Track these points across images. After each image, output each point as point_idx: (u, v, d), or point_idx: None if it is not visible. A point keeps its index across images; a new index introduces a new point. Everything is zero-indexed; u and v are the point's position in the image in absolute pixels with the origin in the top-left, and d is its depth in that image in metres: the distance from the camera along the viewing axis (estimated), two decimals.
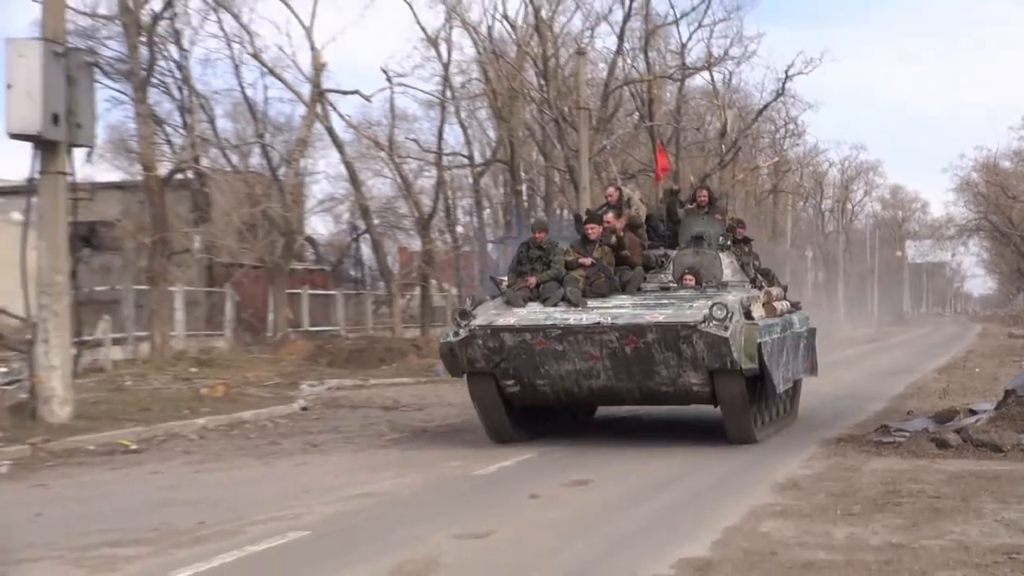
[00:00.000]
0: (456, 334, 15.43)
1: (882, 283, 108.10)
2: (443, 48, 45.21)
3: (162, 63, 34.52)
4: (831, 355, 41.30)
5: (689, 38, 53.00)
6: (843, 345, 49.81)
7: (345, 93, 40.37)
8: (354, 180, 43.51)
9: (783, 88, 56.42)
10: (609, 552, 9.69)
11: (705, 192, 19.08)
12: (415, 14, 44.07)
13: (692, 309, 14.80)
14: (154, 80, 33.81)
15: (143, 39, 32.54)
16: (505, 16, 47.05)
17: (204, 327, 37.36)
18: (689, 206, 19.01)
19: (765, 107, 59.23)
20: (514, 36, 47.75)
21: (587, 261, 16.10)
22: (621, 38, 49.03)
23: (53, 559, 9.38)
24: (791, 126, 67.95)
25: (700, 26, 52.23)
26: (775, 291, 18.01)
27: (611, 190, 18.60)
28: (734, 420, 15.49)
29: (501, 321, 15.30)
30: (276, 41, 41.01)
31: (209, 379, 26.06)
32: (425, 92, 46.73)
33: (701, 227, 17.67)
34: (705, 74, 57.29)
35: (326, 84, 38.59)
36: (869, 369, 34.14)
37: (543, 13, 46.85)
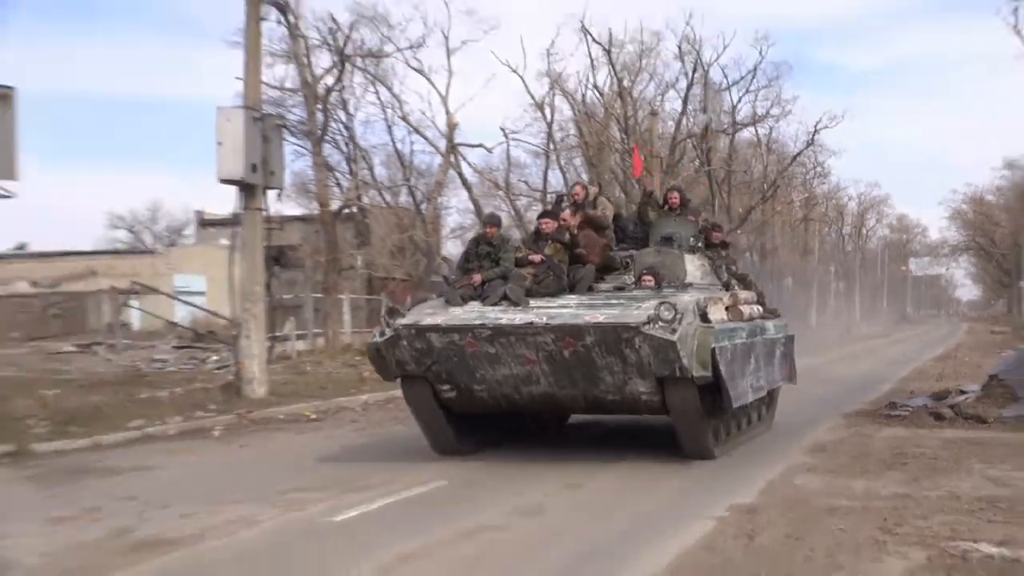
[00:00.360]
0: (382, 334, 11.40)
1: (890, 291, 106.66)
2: (547, 110, 45.25)
3: (333, 124, 34.92)
4: (850, 347, 40.90)
5: (739, 101, 52.55)
6: (859, 340, 49.22)
7: (472, 146, 40.48)
8: (479, 213, 43.57)
9: (812, 139, 55.62)
10: (677, 499, 9.75)
11: (676, 194, 14.46)
12: (526, 85, 44.09)
13: (639, 310, 10.60)
14: (327, 137, 34.21)
15: (319, 106, 32.93)
16: (595, 86, 47.03)
17: (365, 325, 37.64)
18: (662, 208, 14.43)
19: (798, 154, 58.46)
20: (602, 101, 47.75)
21: (536, 258, 11.84)
22: (685, 102, 48.91)
23: (254, 500, 9.60)
24: (818, 168, 66.93)
25: (747, 91, 51.77)
26: (744, 295, 13.33)
27: (577, 188, 13.89)
28: (687, 432, 11.24)
29: (428, 320, 11.23)
30: (419, 107, 41.10)
31: (369, 366, 26.20)
32: (533, 144, 46.60)
33: (672, 228, 13.28)
34: (751, 128, 56.89)
35: (457, 139, 38.73)
36: (880, 358, 33.68)
37: (624, 83, 46.80)
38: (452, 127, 38.40)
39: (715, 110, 51.64)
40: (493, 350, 10.95)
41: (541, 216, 12.90)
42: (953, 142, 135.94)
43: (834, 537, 7.88)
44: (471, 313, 11.25)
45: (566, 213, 13.12)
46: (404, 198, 40.68)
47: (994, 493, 9.50)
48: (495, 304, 11.26)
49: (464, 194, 43.20)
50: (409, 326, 11.20)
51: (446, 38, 37.82)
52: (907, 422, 15.09)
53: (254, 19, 18.99)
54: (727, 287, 13.17)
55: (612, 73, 46.59)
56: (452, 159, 39.22)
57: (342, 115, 35.87)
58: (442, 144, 38.76)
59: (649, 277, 11.93)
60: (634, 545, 7.92)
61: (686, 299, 11.03)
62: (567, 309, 11.05)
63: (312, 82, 32.54)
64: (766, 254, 65.32)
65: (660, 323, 10.18)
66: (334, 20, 33.93)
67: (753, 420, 13.76)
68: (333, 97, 34.59)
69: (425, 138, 39.32)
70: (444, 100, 38.45)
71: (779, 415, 15.17)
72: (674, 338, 10.11)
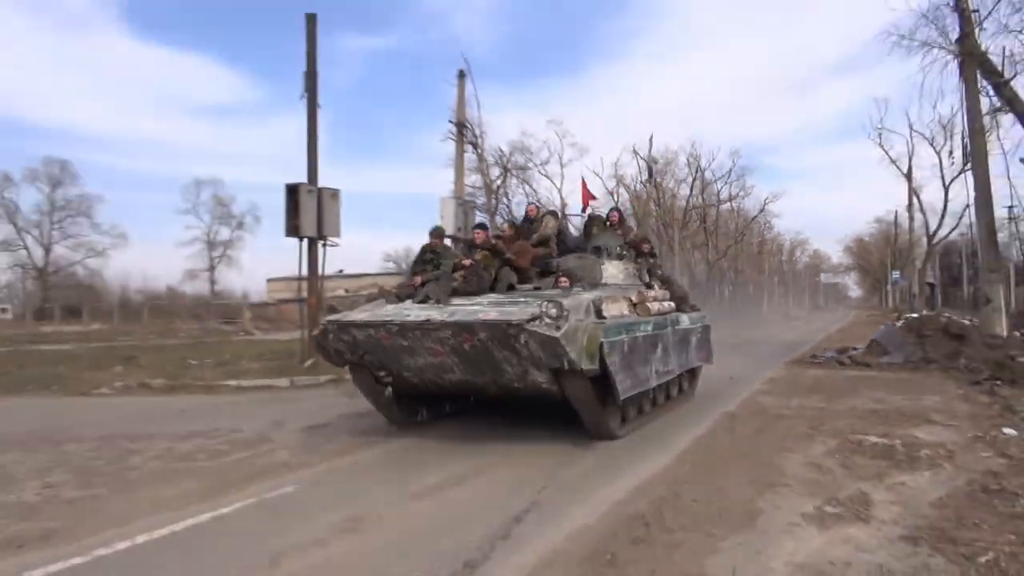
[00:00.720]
0: (319, 329, 7.87)
1: (810, 293, 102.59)
2: (614, 196, 45.10)
3: (500, 205, 35.24)
4: (787, 324, 39.19)
5: (721, 188, 51.44)
6: (792, 320, 47.29)
7: (574, 215, 40.46)
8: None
9: (763, 208, 54.31)
10: (691, 411, 9.35)
11: (616, 213, 10.72)
12: (603, 182, 44.12)
13: (533, 308, 6.87)
14: (497, 213, 34.62)
15: (493, 196, 33.32)
16: (642, 181, 46.71)
17: None
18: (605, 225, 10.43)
19: (754, 217, 56.75)
20: (646, 188, 47.30)
21: (467, 262, 8.25)
22: (691, 188, 48.28)
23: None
24: (768, 223, 65.04)
25: (726, 182, 50.68)
26: (653, 293, 9.05)
27: (530, 208, 10.25)
28: (587, 418, 7.29)
29: (350, 317, 7.62)
30: (545, 195, 41.04)
31: None
32: (606, 216, 46.39)
33: (603, 240, 9.61)
34: (728, 203, 55.42)
35: (567, 212, 38.97)
36: (804, 330, 32.11)
37: (657, 179, 46.38)
38: (564, 206, 38.51)
39: (708, 192, 50.57)
40: (406, 343, 7.09)
41: (474, 228, 8.94)
42: (846, 206, 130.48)
43: (783, 431, 7.51)
44: (388, 310, 7.51)
45: (505, 226, 9.62)
46: None
47: (876, 407, 8.93)
48: (422, 302, 7.53)
49: None
50: (334, 321, 7.49)
51: (560, 158, 38.28)
52: (822, 366, 14.29)
53: (460, 152, 19.21)
54: (649, 287, 9.18)
55: (651, 174, 46.27)
56: (564, 224, 39.36)
57: (505, 200, 36.25)
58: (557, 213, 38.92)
59: (565, 279, 8.09)
60: (669, 433, 7.68)
61: (584, 297, 7.32)
62: (475, 307, 7.19)
63: (489, 183, 33.01)
64: (738, 273, 63.62)
65: (547, 319, 6.50)
66: (501, 150, 34.72)
67: (673, 395, 9.52)
68: (500, 191, 35.02)
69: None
70: (559, 191, 38.67)
71: (744, 363, 14.41)
72: (558, 334, 6.41)
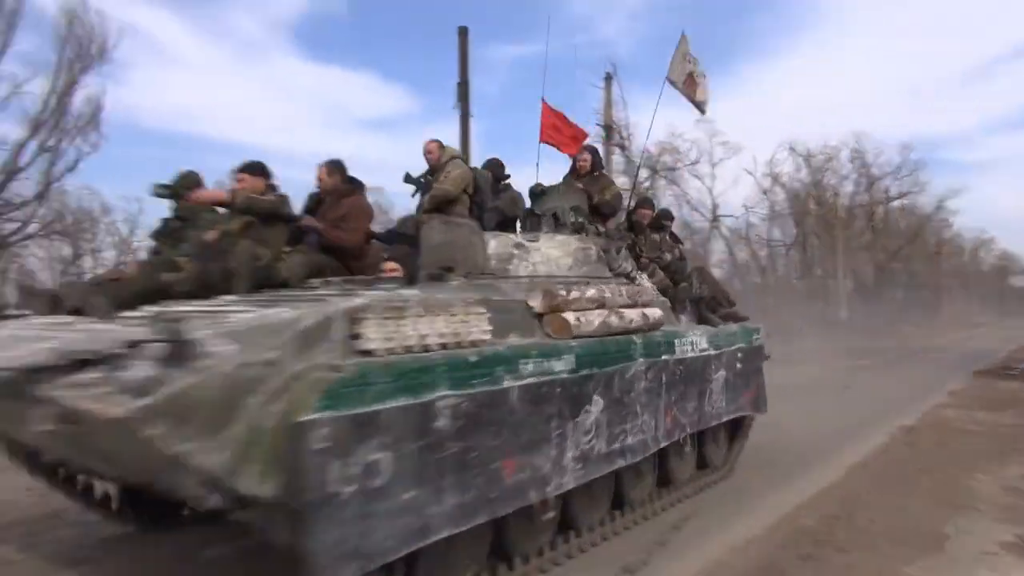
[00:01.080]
0: None
1: (998, 297, 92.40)
2: (768, 195, 42.97)
3: None
4: (972, 331, 35.63)
5: (890, 184, 47.54)
6: (978, 327, 42.84)
7: (725, 216, 38.99)
8: (732, 255, 41.94)
9: (940, 204, 49.48)
10: (863, 421, 8.66)
11: (588, 156, 5.60)
12: (757, 181, 42.10)
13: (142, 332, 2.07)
14: None
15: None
16: (799, 180, 44.25)
17: None
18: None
19: (931, 214, 51.89)
20: (804, 187, 44.77)
21: (212, 235, 3.54)
22: (856, 185, 45.17)
23: None
24: (945, 221, 59.13)
25: (896, 178, 46.76)
26: (610, 290, 4.21)
27: (431, 144, 5.05)
28: None
29: None
30: (695, 195, 39.86)
31: None
32: (761, 213, 44.30)
33: (554, 202, 5.08)
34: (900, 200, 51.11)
35: (718, 212, 37.54)
36: (991, 337, 28.95)
37: (816, 176, 43.67)
38: (715, 207, 37.21)
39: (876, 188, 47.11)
40: None
41: (237, 170, 4.08)
42: None
43: (971, 449, 6.80)
44: None
45: (322, 171, 4.47)
46: (688, 247, 39.73)
47: None
48: (73, 314, 3.21)
49: (721, 244, 41.62)
50: None
51: (710, 157, 37.06)
52: (1018, 378, 12.71)
53: (607, 155, 19.20)
54: (628, 277, 5.03)
55: (809, 171, 43.85)
56: (715, 223, 38.04)
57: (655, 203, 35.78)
58: (708, 214, 37.70)
59: (395, 266, 3.88)
60: (846, 443, 7.16)
61: (327, 308, 2.76)
62: (69, 333, 2.61)
63: (637, 184, 32.57)
64: (911, 275, 58.65)
65: (118, 371, 1.96)
66: (649, 151, 33.99)
67: (681, 477, 5.21)
68: (649, 193, 34.48)
69: (701, 213, 38.20)
70: (711, 191, 37.50)
71: (922, 374, 12.96)
72: (120, 410, 1.89)
